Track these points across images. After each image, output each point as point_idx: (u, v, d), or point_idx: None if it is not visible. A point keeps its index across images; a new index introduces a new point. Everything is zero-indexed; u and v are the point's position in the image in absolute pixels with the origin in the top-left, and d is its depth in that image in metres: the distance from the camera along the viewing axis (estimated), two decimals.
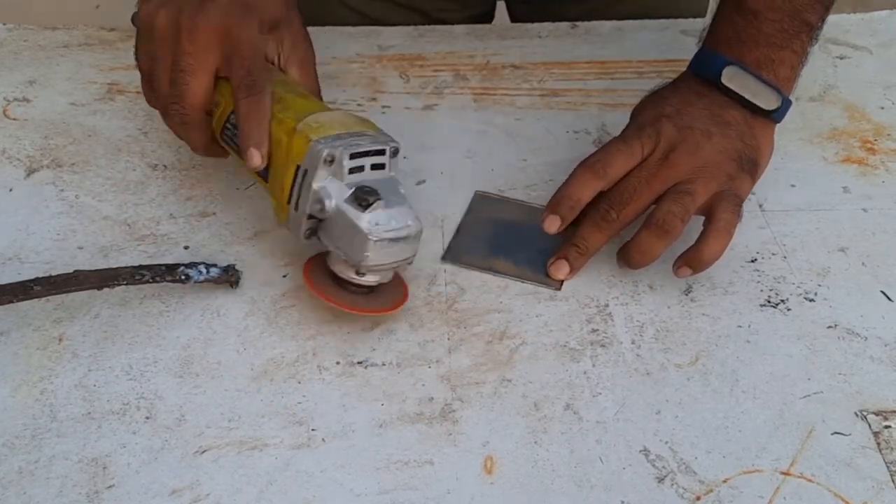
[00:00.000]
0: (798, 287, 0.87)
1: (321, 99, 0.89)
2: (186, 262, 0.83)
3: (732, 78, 0.89)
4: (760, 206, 0.95)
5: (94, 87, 1.08)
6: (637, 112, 0.93)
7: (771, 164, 0.95)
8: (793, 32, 0.89)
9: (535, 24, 1.21)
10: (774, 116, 0.90)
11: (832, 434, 0.75)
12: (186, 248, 0.89)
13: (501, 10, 1.38)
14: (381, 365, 0.80)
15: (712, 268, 0.86)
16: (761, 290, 0.87)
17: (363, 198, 0.76)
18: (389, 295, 0.82)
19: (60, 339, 0.80)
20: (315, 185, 0.77)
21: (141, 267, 0.81)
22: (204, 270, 0.82)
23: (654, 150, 0.86)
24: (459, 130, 1.04)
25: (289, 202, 0.79)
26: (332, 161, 0.76)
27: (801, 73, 0.92)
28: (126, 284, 0.80)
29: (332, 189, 0.77)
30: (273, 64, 0.87)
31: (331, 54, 1.13)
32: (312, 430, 0.75)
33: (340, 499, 0.71)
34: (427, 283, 0.86)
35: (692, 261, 0.84)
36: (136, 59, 0.85)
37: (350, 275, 0.79)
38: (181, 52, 0.80)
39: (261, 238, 0.90)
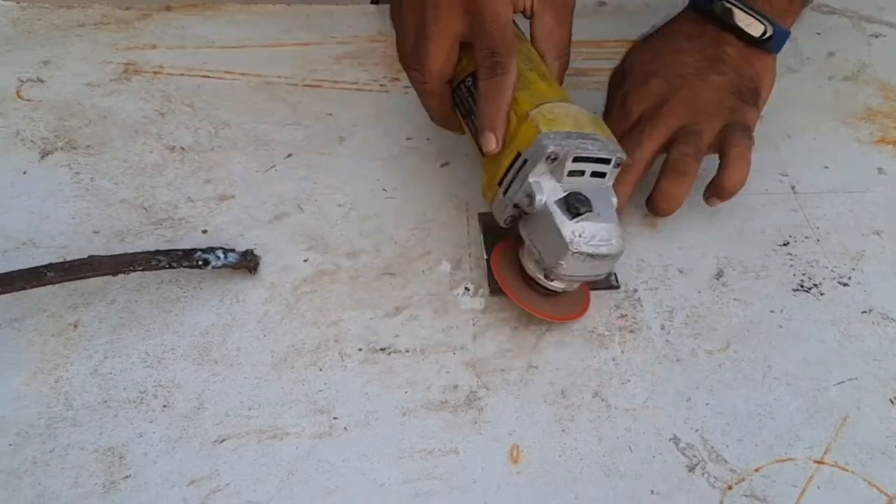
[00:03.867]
0: (832, 271, 0.86)
1: (565, 59, 0.85)
2: (204, 247, 0.82)
3: (725, 10, 0.90)
4: (793, 188, 0.94)
5: (110, 68, 1.07)
6: (628, 67, 0.93)
7: (803, 145, 0.95)
8: None
9: None
10: (769, 46, 0.91)
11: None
12: (205, 232, 0.88)
13: None
14: (404, 352, 0.79)
15: (743, 251, 0.87)
16: (794, 275, 0.86)
17: (574, 205, 0.73)
18: (571, 301, 0.81)
19: (76, 326, 0.80)
20: (531, 178, 0.75)
21: (157, 252, 0.80)
22: (222, 255, 0.81)
23: (648, 107, 0.88)
24: None
25: (500, 184, 0.78)
26: (554, 159, 0.73)
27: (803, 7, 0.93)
28: (142, 270, 0.79)
29: (546, 186, 0.74)
30: (524, 11, 0.83)
31: (352, 33, 1.12)
32: (334, 418, 0.74)
33: (363, 488, 0.70)
34: (452, 267, 0.85)
35: (717, 190, 0.85)
36: (391, 16, 0.84)
37: (538, 275, 0.78)
38: (425, 18, 0.78)
39: (281, 222, 0.89)
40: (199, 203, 0.91)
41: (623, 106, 0.89)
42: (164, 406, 0.75)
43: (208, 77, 1.05)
